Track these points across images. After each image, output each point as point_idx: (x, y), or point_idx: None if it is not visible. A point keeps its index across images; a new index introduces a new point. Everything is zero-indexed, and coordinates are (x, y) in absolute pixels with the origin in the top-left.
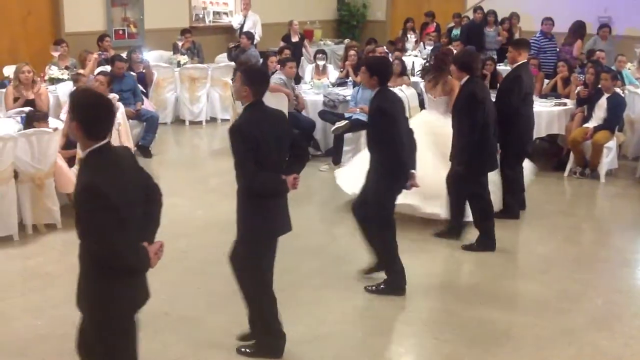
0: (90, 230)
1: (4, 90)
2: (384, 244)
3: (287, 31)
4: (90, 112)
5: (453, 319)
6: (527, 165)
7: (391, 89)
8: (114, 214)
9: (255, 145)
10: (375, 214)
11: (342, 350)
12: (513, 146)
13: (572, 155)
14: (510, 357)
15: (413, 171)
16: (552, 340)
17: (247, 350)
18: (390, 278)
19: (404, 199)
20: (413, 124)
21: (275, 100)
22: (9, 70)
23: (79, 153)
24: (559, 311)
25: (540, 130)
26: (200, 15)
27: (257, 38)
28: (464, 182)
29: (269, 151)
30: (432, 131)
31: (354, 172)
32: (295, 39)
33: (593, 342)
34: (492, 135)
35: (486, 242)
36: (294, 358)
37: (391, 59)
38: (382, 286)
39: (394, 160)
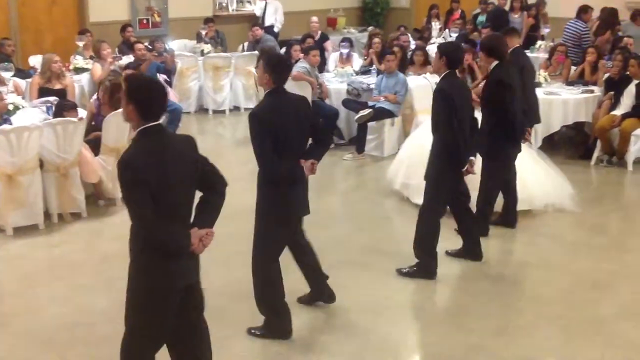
0: (127, 205)
1: (29, 80)
2: (428, 226)
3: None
4: (145, 95)
5: (479, 308)
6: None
7: (414, 76)
8: (144, 189)
9: (273, 131)
10: (429, 194)
11: (364, 341)
12: None
13: (599, 143)
14: (537, 347)
15: (472, 158)
16: (580, 330)
17: (257, 332)
18: (423, 261)
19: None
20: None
21: (298, 89)
22: (34, 60)
23: (114, 142)
24: (587, 301)
25: (567, 117)
26: (224, 4)
27: (278, 25)
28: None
29: (288, 137)
30: None
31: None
32: (315, 37)
33: (622, 332)
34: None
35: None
36: (315, 346)
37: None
38: (414, 268)
39: (451, 144)
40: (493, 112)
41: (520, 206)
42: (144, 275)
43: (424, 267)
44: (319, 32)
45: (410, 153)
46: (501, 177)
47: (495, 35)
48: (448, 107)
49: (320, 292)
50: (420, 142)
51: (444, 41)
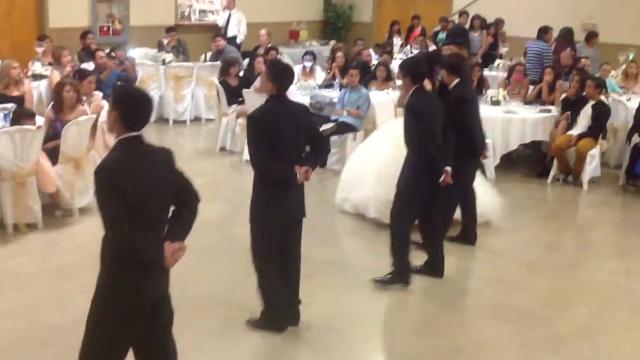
0: (101, 211)
1: None
2: (399, 235)
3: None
4: (130, 103)
5: (438, 324)
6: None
7: (376, 91)
8: (120, 197)
9: (268, 135)
10: (399, 204)
11: (329, 356)
12: None
13: (555, 162)
14: None
15: (448, 168)
16: (537, 349)
17: (253, 323)
18: (397, 268)
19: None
20: (382, 134)
21: (261, 101)
22: None
23: (72, 152)
24: (544, 320)
25: (525, 136)
26: (186, 13)
27: (241, 37)
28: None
29: (284, 143)
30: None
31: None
32: (260, 51)
33: (579, 351)
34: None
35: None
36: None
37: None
38: (389, 276)
39: (426, 156)
40: (454, 129)
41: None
42: (113, 288)
43: (399, 273)
44: (269, 44)
45: (352, 171)
46: (462, 195)
47: (456, 54)
48: (419, 121)
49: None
50: (361, 160)
51: (404, 57)
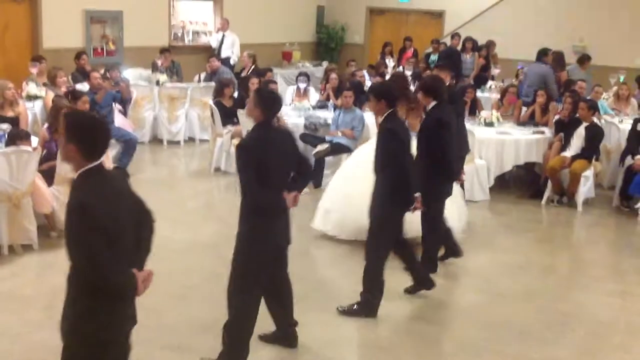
0: (79, 251)
1: None
2: (374, 266)
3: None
4: (88, 134)
5: (435, 346)
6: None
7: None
8: (102, 235)
9: (258, 162)
10: (375, 234)
11: None
12: None
13: (549, 183)
14: None
15: (418, 194)
16: None
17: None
18: (365, 298)
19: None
20: (357, 159)
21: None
22: None
23: (67, 173)
24: (542, 341)
25: (518, 157)
26: (179, 35)
27: (234, 58)
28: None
29: (273, 169)
30: None
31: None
32: (244, 74)
33: None
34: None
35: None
36: None
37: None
38: (355, 307)
39: (400, 182)
40: (430, 152)
41: None
42: (88, 321)
43: (365, 305)
44: (251, 67)
45: (334, 200)
46: (442, 212)
47: (434, 76)
48: (398, 145)
49: (284, 336)
50: (342, 188)
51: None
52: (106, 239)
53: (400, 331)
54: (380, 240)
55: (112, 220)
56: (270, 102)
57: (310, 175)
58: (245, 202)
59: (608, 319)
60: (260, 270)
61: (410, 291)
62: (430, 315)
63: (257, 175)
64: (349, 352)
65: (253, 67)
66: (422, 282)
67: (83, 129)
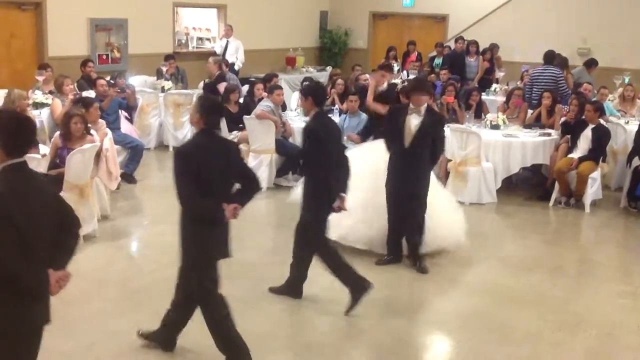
0: None
1: None
2: (302, 259)
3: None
4: (10, 131)
5: (445, 350)
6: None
7: None
8: (12, 230)
9: (196, 169)
10: (310, 232)
11: None
12: None
13: (557, 185)
14: None
15: (343, 194)
16: None
17: None
18: (292, 278)
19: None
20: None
21: (263, 127)
22: None
23: (76, 179)
24: (554, 343)
25: (525, 159)
26: (184, 41)
27: (239, 64)
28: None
29: (211, 178)
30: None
31: None
32: (207, 80)
33: None
34: None
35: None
36: None
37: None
38: (282, 286)
39: (322, 182)
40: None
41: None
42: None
43: (291, 286)
44: (217, 72)
45: None
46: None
47: (418, 78)
48: (319, 145)
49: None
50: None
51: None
52: (16, 235)
53: (409, 335)
54: (312, 241)
55: (24, 216)
56: (209, 109)
57: (255, 192)
58: (183, 209)
59: (619, 320)
60: (211, 274)
61: (350, 307)
62: (440, 319)
63: (196, 183)
64: (354, 353)
65: (219, 72)
66: (355, 288)
67: (5, 126)
